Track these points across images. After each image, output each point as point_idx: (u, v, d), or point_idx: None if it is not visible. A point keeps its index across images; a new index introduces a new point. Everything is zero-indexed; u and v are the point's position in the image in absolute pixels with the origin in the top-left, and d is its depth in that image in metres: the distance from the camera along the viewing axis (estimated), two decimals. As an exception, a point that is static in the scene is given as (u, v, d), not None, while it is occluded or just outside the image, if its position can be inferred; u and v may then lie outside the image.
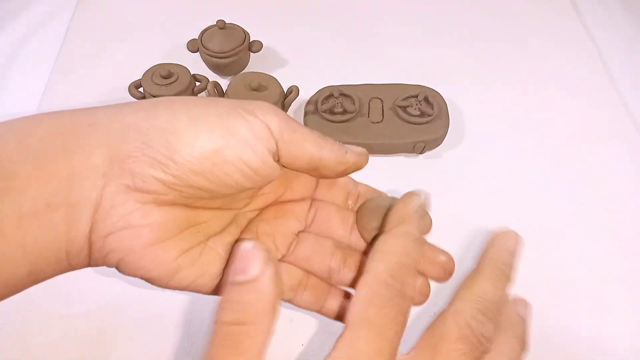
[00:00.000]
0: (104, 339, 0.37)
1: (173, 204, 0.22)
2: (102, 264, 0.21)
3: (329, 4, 0.62)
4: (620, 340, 0.38)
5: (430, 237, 0.42)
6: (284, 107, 0.48)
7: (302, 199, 0.28)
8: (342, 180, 0.29)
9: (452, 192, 0.46)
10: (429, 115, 0.46)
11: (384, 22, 0.60)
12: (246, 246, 0.20)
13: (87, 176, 0.20)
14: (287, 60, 0.56)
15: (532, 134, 0.50)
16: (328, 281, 0.27)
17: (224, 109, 0.21)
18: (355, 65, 0.55)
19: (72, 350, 0.37)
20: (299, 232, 0.28)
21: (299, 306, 0.27)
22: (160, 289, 0.40)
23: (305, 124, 0.49)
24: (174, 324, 0.38)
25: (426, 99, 0.48)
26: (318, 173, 0.24)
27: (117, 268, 0.21)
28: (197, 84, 0.49)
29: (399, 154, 0.48)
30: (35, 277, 0.20)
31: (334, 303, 0.27)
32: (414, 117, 0.46)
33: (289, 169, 0.24)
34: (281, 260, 0.27)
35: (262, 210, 0.27)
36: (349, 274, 0.26)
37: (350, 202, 0.29)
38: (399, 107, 0.47)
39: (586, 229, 0.43)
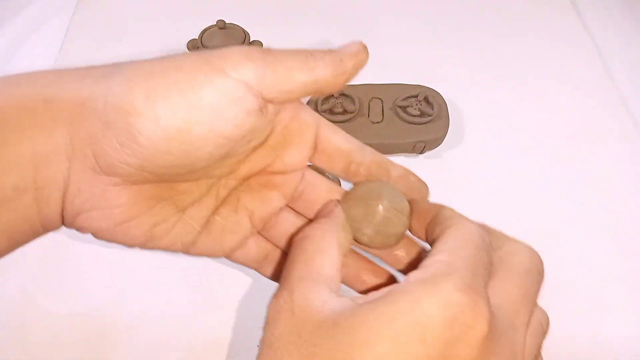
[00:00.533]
0: (104, 339, 0.37)
1: (145, 182, 0.21)
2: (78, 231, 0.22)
3: (329, 3, 0.62)
4: (620, 340, 0.38)
5: (430, 237, 0.42)
6: (284, 107, 0.48)
7: (293, 171, 0.26)
8: (346, 147, 0.26)
9: (452, 192, 0.45)
10: (429, 115, 0.46)
11: (384, 22, 0.60)
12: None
13: (51, 159, 0.19)
14: (287, 60, 0.56)
15: (532, 134, 0.50)
16: None
17: (187, 73, 0.19)
18: (355, 65, 0.55)
19: (72, 350, 0.37)
20: (281, 207, 0.26)
21: (265, 275, 0.27)
22: (160, 290, 0.40)
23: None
24: (173, 324, 0.38)
25: (426, 99, 0.48)
26: (321, 93, 0.22)
27: (91, 234, 0.22)
28: (197, 84, 0.49)
29: (399, 154, 0.48)
30: (15, 246, 0.20)
31: None
32: (414, 117, 0.46)
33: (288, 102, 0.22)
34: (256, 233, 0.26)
35: (246, 179, 0.25)
36: None
37: (353, 167, 0.26)
38: (399, 107, 0.47)
39: (586, 229, 0.43)
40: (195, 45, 0.52)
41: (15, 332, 0.37)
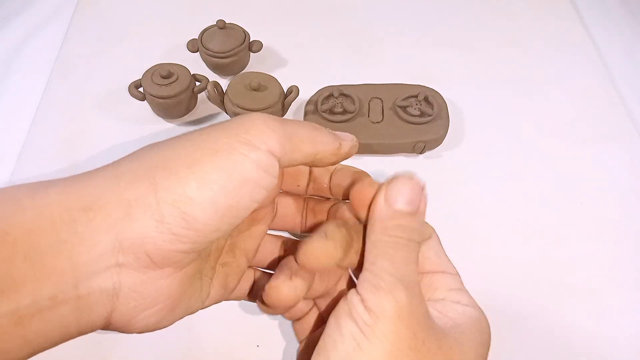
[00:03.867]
0: (104, 339, 0.37)
1: (190, 262, 0.22)
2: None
3: (329, 3, 0.62)
4: (621, 340, 0.38)
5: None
6: (284, 107, 0.48)
7: (271, 202, 0.28)
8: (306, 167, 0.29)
9: (452, 192, 0.46)
10: (429, 115, 0.46)
11: (384, 22, 0.60)
12: (418, 183, 0.23)
13: (96, 268, 0.19)
14: (287, 60, 0.56)
15: (532, 134, 0.50)
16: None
17: (227, 155, 0.20)
18: (355, 65, 0.55)
19: (72, 350, 0.37)
20: (265, 234, 0.29)
21: (253, 300, 0.29)
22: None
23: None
24: (173, 324, 0.38)
25: (426, 99, 0.48)
26: (311, 165, 0.24)
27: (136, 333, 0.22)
28: (197, 84, 0.49)
29: (399, 154, 0.48)
30: (38, 352, 0.20)
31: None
32: (414, 117, 0.46)
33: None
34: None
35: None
36: None
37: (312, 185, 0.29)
38: (399, 107, 0.47)
39: (586, 229, 0.43)
40: (195, 45, 0.52)
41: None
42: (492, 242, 0.43)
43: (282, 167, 0.22)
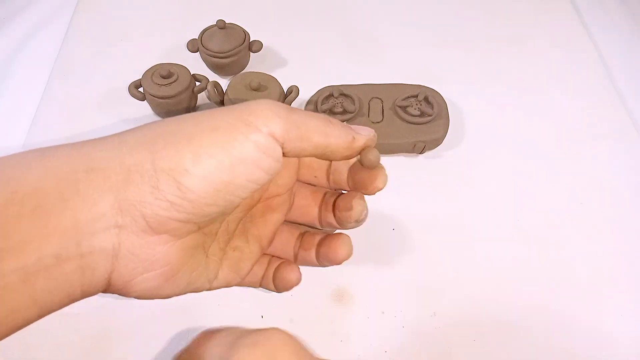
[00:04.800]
0: (104, 339, 0.37)
1: (189, 233, 0.22)
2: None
3: (329, 4, 0.62)
4: (620, 340, 0.38)
5: (430, 237, 0.42)
6: (284, 107, 0.48)
7: (286, 191, 0.29)
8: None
9: (452, 192, 0.46)
10: (429, 115, 0.46)
11: (384, 22, 0.60)
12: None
13: (97, 227, 0.19)
14: (287, 60, 0.56)
15: (532, 134, 0.50)
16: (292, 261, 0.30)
17: (226, 132, 0.21)
18: (355, 65, 0.55)
19: (72, 350, 0.37)
20: (281, 223, 0.29)
21: (269, 288, 0.29)
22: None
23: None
24: (173, 324, 0.38)
25: (426, 99, 0.48)
26: (324, 158, 0.25)
27: (134, 297, 0.23)
28: (197, 84, 0.49)
29: (399, 154, 0.48)
30: (45, 314, 0.20)
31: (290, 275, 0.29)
32: (414, 117, 0.46)
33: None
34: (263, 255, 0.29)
35: (249, 210, 0.28)
36: (308, 256, 0.29)
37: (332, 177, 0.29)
38: (399, 107, 0.47)
39: (586, 229, 0.43)
40: (195, 45, 0.52)
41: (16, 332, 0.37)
42: (492, 242, 0.43)
43: (290, 155, 0.23)
